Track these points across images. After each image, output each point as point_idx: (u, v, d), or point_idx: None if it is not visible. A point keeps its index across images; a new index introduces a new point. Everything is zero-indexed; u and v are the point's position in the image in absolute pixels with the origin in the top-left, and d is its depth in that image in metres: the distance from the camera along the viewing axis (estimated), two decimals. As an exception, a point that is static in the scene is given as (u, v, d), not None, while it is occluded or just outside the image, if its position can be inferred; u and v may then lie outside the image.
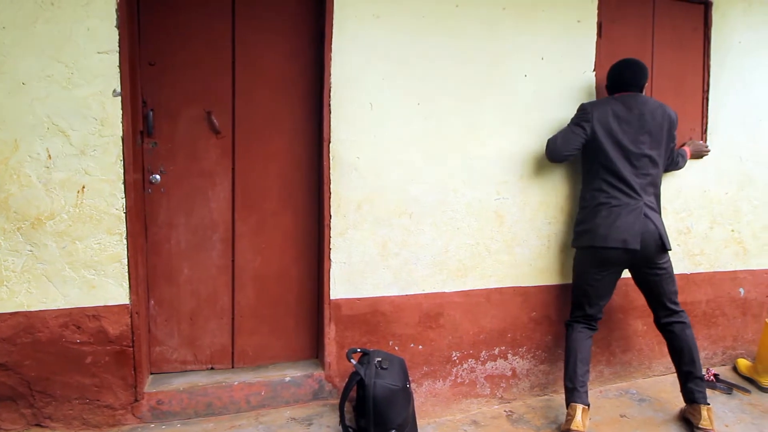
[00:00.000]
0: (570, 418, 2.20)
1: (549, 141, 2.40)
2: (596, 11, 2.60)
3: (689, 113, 2.88)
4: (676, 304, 2.40)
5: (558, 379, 2.67)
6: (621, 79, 2.38)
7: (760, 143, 2.99)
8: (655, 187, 2.37)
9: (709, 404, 2.30)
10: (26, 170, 1.89)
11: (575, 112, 2.42)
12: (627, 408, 2.53)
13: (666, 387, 2.74)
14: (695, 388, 2.33)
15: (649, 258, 2.29)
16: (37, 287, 1.94)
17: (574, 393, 2.25)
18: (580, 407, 2.21)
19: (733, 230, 2.96)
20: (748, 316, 3.08)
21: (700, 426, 2.25)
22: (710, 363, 2.98)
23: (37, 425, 1.99)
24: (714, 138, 2.89)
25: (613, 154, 2.29)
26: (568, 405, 2.26)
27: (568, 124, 2.40)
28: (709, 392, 2.71)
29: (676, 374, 2.42)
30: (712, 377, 2.81)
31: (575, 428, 2.16)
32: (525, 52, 2.48)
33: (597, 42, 2.61)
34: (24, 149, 1.88)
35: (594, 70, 2.61)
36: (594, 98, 2.61)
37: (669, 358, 2.90)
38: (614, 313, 2.74)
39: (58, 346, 1.97)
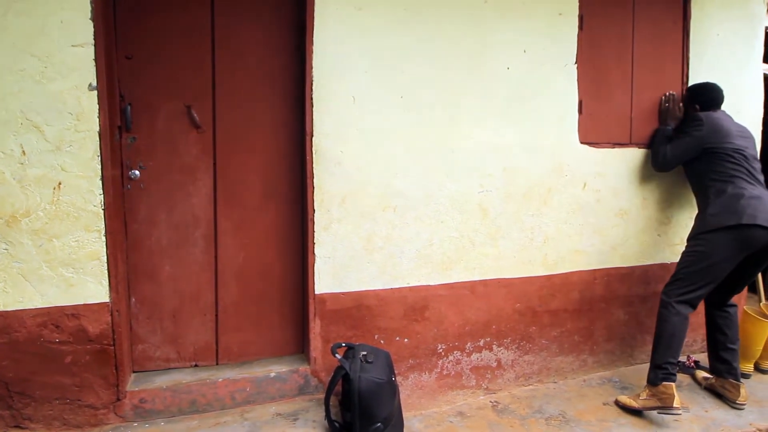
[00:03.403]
0: (670, 396, 2.30)
1: (658, 153, 2.68)
2: (577, 4, 2.61)
3: (669, 105, 2.91)
4: None
5: (542, 369, 2.70)
6: (714, 98, 2.69)
7: (737, 134, 3.03)
8: None
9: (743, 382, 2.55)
10: (-1, 167, 1.84)
11: (690, 122, 2.62)
12: (610, 396, 2.57)
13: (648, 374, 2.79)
14: (738, 366, 2.53)
15: None
16: (13, 286, 1.89)
17: (669, 374, 2.37)
18: (674, 386, 2.34)
19: (711, 220, 3.01)
20: (726, 304, 3.13)
21: (738, 402, 2.47)
22: (690, 350, 3.04)
23: (16, 427, 1.95)
24: (693, 129, 2.93)
25: (736, 155, 2.46)
26: (658, 384, 2.36)
27: (683, 134, 2.62)
28: (689, 379, 2.79)
29: (710, 354, 2.63)
30: (692, 364, 2.87)
31: (678, 405, 2.29)
32: (507, 44, 2.48)
33: (578, 35, 2.62)
34: (-4, 145, 1.83)
35: (576, 63, 2.62)
36: (576, 91, 2.63)
37: (651, 346, 2.96)
38: (596, 302, 2.78)
39: (36, 346, 1.93)
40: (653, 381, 2.39)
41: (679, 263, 2.53)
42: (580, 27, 2.63)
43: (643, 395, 2.39)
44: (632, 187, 2.81)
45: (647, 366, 2.49)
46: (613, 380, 2.74)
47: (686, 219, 2.94)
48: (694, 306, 2.45)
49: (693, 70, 2.91)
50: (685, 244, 2.53)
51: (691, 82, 2.91)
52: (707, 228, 2.42)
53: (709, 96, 2.70)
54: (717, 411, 2.46)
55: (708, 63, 2.94)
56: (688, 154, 2.58)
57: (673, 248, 2.93)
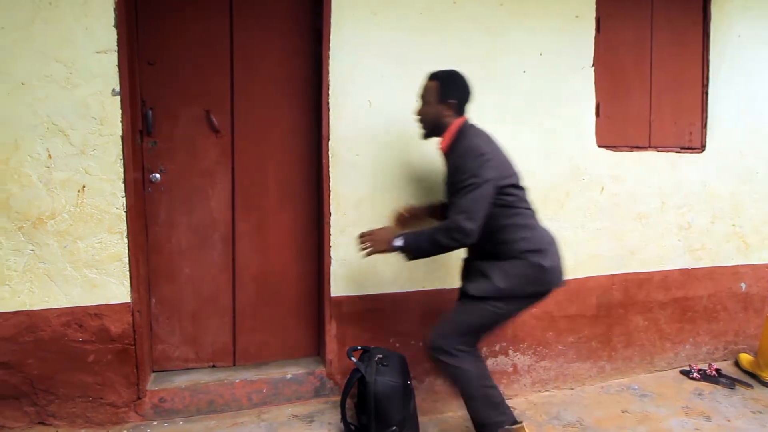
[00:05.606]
0: None
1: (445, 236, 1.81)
2: (595, 6, 2.59)
3: (688, 107, 2.87)
4: None
5: (559, 375, 2.67)
6: (469, 95, 1.96)
7: (760, 137, 2.98)
8: None
9: None
10: (27, 170, 1.90)
11: (466, 158, 1.84)
12: (628, 403, 2.53)
13: (668, 382, 2.74)
14: None
15: None
16: (39, 286, 1.95)
17: (510, 415, 1.94)
18: (525, 425, 1.93)
19: (734, 225, 2.95)
20: (749, 310, 3.07)
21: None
22: (712, 358, 2.98)
23: (40, 423, 2.00)
24: (714, 132, 2.88)
25: (521, 185, 1.99)
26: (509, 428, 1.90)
27: (465, 180, 1.81)
28: (711, 387, 2.72)
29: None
30: (714, 372, 2.80)
31: None
32: (523, 47, 2.47)
33: (596, 37, 2.60)
34: (24, 149, 1.88)
35: (593, 65, 2.60)
36: (593, 93, 2.61)
37: (671, 353, 2.90)
38: (615, 308, 2.74)
39: (60, 345, 1.98)
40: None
41: (465, 314, 1.93)
42: (598, 29, 2.61)
43: None
44: (651, 191, 2.77)
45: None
46: (632, 387, 2.70)
47: (706, 224, 2.89)
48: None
49: (713, 72, 2.87)
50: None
51: (711, 84, 2.87)
52: (520, 293, 1.89)
53: (468, 90, 1.94)
54: (740, 420, 2.40)
55: (729, 64, 2.89)
56: (487, 207, 1.80)
57: (693, 253, 2.88)
